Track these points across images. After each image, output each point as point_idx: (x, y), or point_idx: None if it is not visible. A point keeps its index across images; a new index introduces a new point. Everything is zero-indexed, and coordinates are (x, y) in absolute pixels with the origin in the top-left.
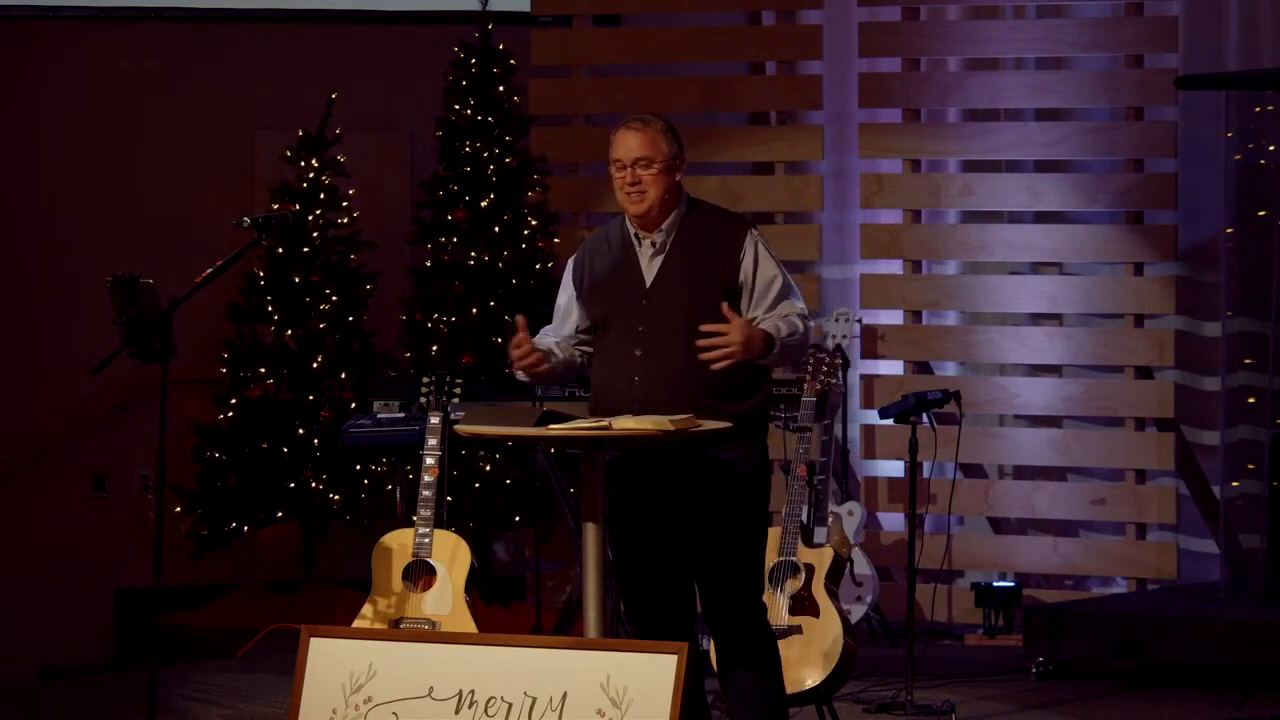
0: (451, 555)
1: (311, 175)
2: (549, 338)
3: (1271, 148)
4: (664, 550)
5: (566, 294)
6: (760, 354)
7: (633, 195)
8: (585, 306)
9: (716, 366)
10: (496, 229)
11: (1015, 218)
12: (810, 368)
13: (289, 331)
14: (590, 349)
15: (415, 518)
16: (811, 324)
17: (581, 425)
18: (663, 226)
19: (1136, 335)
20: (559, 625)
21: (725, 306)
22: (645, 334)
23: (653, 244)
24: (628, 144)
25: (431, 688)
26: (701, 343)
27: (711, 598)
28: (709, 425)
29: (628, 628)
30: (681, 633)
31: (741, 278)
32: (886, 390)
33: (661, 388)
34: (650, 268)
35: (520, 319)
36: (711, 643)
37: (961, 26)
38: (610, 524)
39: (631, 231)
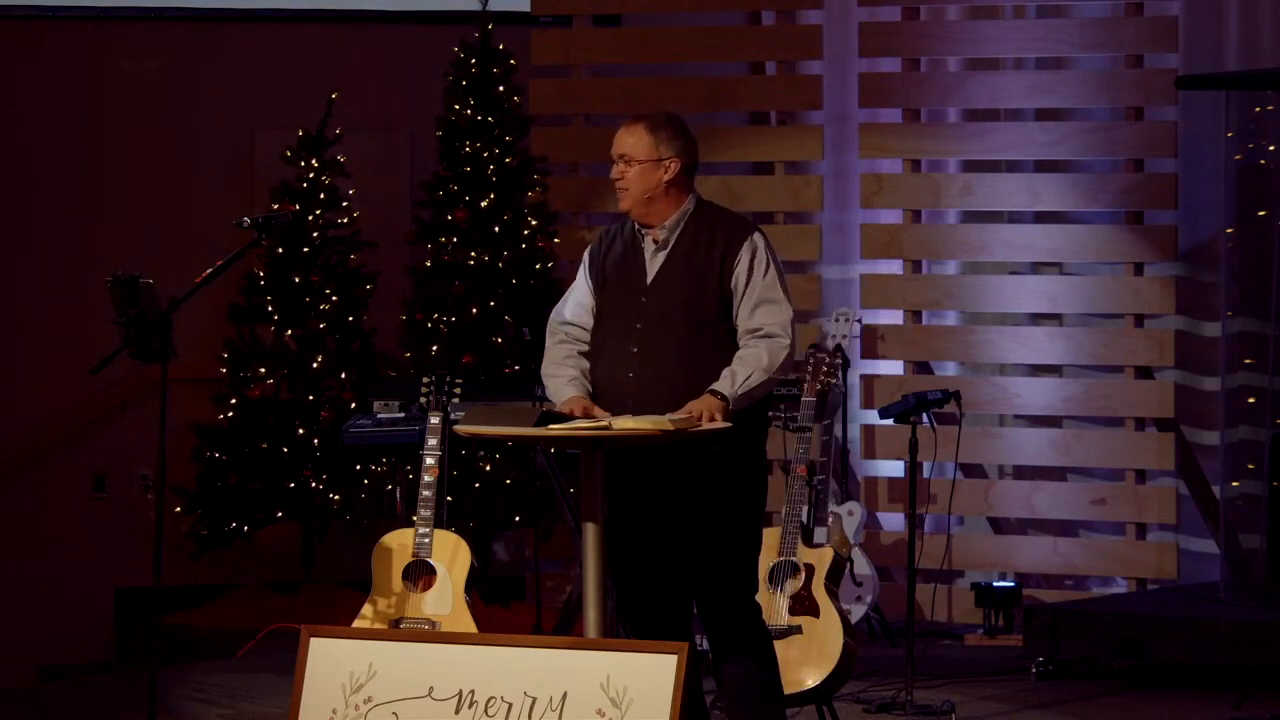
0: (451, 555)
1: (311, 175)
2: (565, 329)
3: (1271, 148)
4: (656, 549)
5: (583, 281)
6: (731, 408)
7: (618, 190)
8: (595, 295)
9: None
10: (496, 229)
11: (1015, 218)
12: (810, 368)
13: (289, 331)
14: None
15: (415, 518)
16: (788, 338)
17: (581, 425)
18: (665, 225)
19: (1136, 335)
20: (559, 625)
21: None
22: (643, 331)
23: (655, 241)
24: (616, 138)
25: (431, 688)
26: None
27: (703, 595)
28: (709, 425)
29: (626, 627)
30: (676, 633)
31: (733, 283)
32: (886, 390)
33: (656, 386)
34: (652, 265)
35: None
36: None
37: (961, 26)
38: (606, 523)
39: (635, 226)
